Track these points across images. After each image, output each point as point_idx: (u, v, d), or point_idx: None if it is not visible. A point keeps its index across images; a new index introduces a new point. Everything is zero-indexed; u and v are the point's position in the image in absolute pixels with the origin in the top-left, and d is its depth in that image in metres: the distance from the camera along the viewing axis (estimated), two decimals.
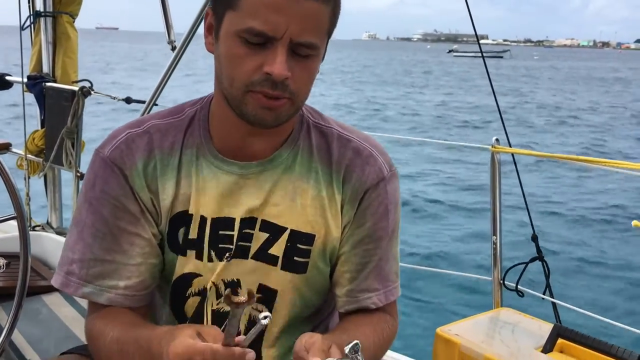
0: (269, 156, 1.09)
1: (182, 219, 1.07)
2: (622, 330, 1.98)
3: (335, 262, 1.14)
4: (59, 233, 2.98)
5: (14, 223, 1.46)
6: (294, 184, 1.09)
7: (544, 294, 2.26)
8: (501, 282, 2.30)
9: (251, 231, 1.08)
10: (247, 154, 1.08)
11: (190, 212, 1.07)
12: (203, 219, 1.07)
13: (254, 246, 1.09)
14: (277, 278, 1.10)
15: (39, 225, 3.27)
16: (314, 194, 1.10)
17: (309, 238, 1.10)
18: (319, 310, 1.18)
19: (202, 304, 1.11)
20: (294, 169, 1.10)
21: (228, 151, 1.08)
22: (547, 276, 2.25)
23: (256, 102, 0.97)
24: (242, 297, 0.79)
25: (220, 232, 1.07)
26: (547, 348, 1.67)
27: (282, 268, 1.10)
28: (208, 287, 1.09)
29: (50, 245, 2.42)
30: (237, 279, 1.09)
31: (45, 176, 3.32)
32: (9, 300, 1.81)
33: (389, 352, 2.02)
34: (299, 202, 1.09)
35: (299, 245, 1.09)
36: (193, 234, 1.07)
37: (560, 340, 1.68)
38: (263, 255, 1.09)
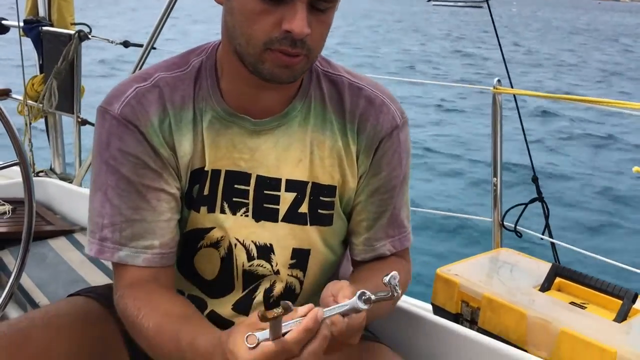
0: (281, 110, 1.07)
1: (199, 175, 1.06)
2: (620, 271, 2.01)
3: (350, 212, 1.15)
4: (62, 179, 3.00)
5: (17, 169, 1.47)
6: (311, 137, 1.08)
7: (542, 234, 2.29)
8: (501, 223, 2.32)
9: (277, 193, 1.08)
10: (259, 109, 1.06)
11: (206, 169, 1.06)
12: (216, 173, 1.06)
13: (283, 208, 1.08)
14: (308, 236, 1.10)
15: (42, 171, 3.29)
16: (331, 145, 1.09)
17: (330, 190, 1.10)
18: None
19: (223, 260, 1.11)
20: (309, 121, 1.08)
21: (239, 106, 1.05)
22: (547, 217, 2.27)
23: (274, 61, 0.94)
24: (278, 310, 0.76)
25: (235, 186, 1.07)
26: (545, 287, 1.70)
27: (311, 224, 1.10)
28: (234, 244, 1.09)
29: (54, 191, 2.44)
30: (269, 244, 1.10)
31: (46, 122, 3.32)
32: (16, 245, 1.84)
33: None
34: (317, 155, 1.08)
35: (321, 198, 1.10)
36: (207, 189, 1.06)
37: (558, 279, 1.71)
38: (293, 216, 1.09)
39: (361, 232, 1.15)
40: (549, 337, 1.46)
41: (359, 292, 0.84)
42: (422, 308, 1.82)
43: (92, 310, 1.13)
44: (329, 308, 0.83)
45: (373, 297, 0.84)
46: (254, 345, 0.77)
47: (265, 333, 0.77)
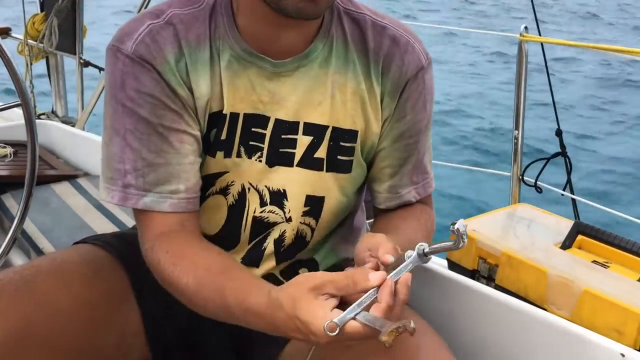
0: (302, 50, 1.02)
1: (217, 119, 1.02)
2: None
3: (372, 159, 1.11)
4: (64, 122, 2.96)
5: (18, 111, 1.43)
6: (332, 79, 1.04)
7: (564, 190, 2.25)
8: (520, 177, 2.28)
9: (294, 136, 1.04)
10: (279, 49, 1.01)
11: (224, 112, 1.02)
12: (234, 116, 1.02)
13: (299, 152, 1.05)
14: (323, 183, 1.07)
15: (43, 114, 3.26)
16: (354, 88, 1.05)
17: (351, 135, 1.06)
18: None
19: (231, 208, 1.08)
20: (331, 62, 1.04)
21: (258, 45, 1.01)
22: (569, 172, 2.23)
23: None
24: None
25: (253, 130, 1.03)
26: (567, 244, 1.67)
27: (327, 170, 1.07)
28: (247, 189, 1.07)
29: (56, 134, 2.41)
30: (283, 189, 1.07)
31: (47, 64, 3.27)
32: (18, 189, 1.82)
33: None
34: (338, 98, 1.04)
35: (342, 144, 1.06)
36: (224, 134, 1.03)
37: (580, 237, 1.69)
38: (308, 161, 1.06)
39: (385, 180, 1.12)
40: (571, 296, 1.44)
41: (418, 246, 0.81)
42: (437, 264, 1.80)
43: (99, 259, 1.11)
44: (394, 272, 0.80)
45: (431, 248, 0.81)
46: (336, 332, 0.75)
47: (343, 313, 0.76)
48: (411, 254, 0.81)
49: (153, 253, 0.98)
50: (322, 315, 0.77)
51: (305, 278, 0.81)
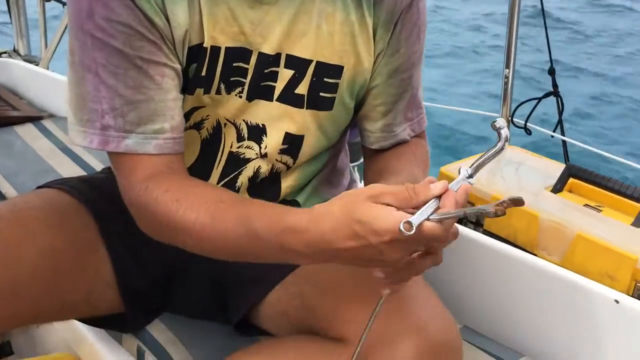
0: None
1: (197, 53, 0.96)
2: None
3: (364, 96, 1.07)
4: (27, 60, 2.85)
5: None
6: (319, 8, 0.97)
7: (554, 131, 2.23)
8: (509, 118, 2.25)
9: (276, 69, 0.99)
10: None
11: (205, 46, 0.95)
12: (216, 50, 0.96)
13: (279, 86, 1.00)
14: (303, 121, 1.03)
15: (5, 52, 3.14)
16: (342, 19, 0.98)
17: (336, 70, 1.01)
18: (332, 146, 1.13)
19: (204, 142, 1.04)
20: None
21: None
22: (560, 112, 2.20)
23: None
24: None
25: (235, 65, 0.97)
26: (558, 188, 1.66)
27: (308, 107, 1.02)
28: (223, 124, 1.02)
29: (18, 74, 2.32)
30: (262, 125, 1.02)
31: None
32: None
33: None
34: (325, 29, 0.98)
35: (325, 80, 1.01)
36: (205, 70, 0.97)
37: (571, 180, 1.67)
38: (289, 97, 1.01)
39: (378, 118, 1.08)
40: (563, 241, 1.43)
41: (463, 168, 0.76)
42: None
43: (64, 204, 1.06)
44: (451, 184, 0.75)
45: (476, 164, 0.75)
46: (412, 232, 0.69)
47: (417, 213, 0.71)
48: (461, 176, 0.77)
49: (148, 194, 0.90)
50: (386, 215, 0.71)
51: (360, 190, 0.76)
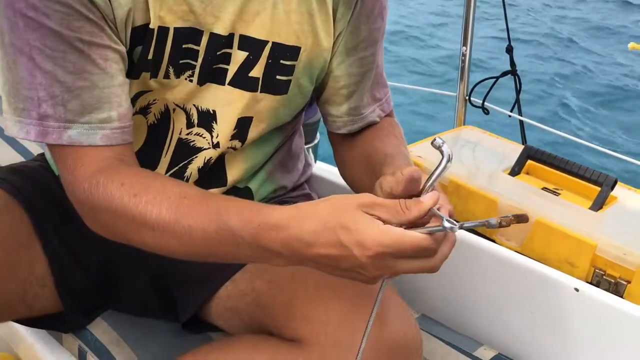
0: None
1: (142, 34, 0.90)
2: (597, 155, 1.98)
3: (325, 80, 1.03)
4: None
5: None
6: None
7: (511, 111, 2.23)
8: (466, 97, 2.24)
9: (229, 50, 0.94)
10: None
11: (151, 27, 0.89)
12: (163, 31, 0.90)
13: (232, 69, 0.95)
14: (256, 105, 0.99)
15: None
16: None
17: (293, 52, 0.97)
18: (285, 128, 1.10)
19: (151, 128, 0.99)
20: None
21: None
22: (518, 92, 2.21)
23: None
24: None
25: (184, 46, 0.92)
26: (516, 170, 1.65)
27: (262, 91, 0.98)
28: (171, 109, 0.97)
29: None
30: (212, 110, 0.97)
31: None
32: None
33: None
34: (281, 8, 0.94)
35: (281, 62, 0.97)
36: (152, 52, 0.91)
37: (529, 162, 1.67)
38: (242, 80, 0.96)
39: (342, 102, 1.04)
40: (522, 227, 1.43)
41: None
42: None
43: None
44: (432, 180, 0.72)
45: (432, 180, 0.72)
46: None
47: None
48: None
49: (100, 189, 0.83)
50: (375, 227, 0.68)
51: (350, 196, 0.72)
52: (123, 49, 0.89)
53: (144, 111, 0.98)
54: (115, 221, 0.83)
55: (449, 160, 0.72)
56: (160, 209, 0.80)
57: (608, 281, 1.28)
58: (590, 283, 1.29)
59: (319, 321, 0.83)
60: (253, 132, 1.02)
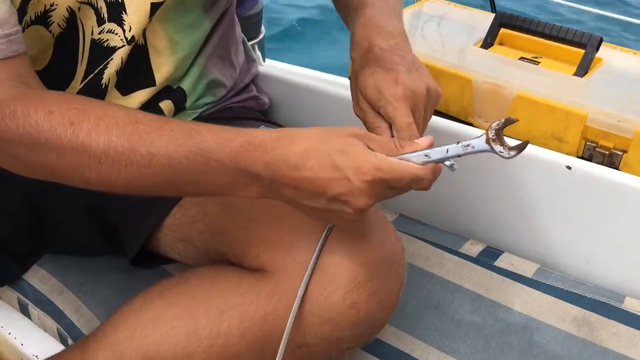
0: None
1: None
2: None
3: None
4: None
5: None
6: None
7: None
8: None
9: None
10: None
11: None
12: None
13: None
14: None
15: None
16: None
17: None
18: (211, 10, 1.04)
19: (59, 38, 0.91)
20: None
21: None
22: None
23: None
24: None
25: None
26: (488, 42, 1.60)
27: None
28: (76, 9, 0.89)
29: None
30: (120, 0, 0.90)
31: None
32: None
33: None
34: None
35: None
36: None
37: (502, 31, 1.61)
38: None
39: None
40: (501, 104, 1.39)
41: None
42: (339, 85, 1.70)
43: None
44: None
45: None
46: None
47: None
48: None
49: (19, 120, 0.75)
50: (372, 154, 0.67)
51: (341, 127, 0.70)
52: None
53: (43, 21, 0.89)
54: (43, 157, 0.76)
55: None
56: (109, 136, 0.73)
57: (602, 153, 1.25)
58: (582, 158, 1.27)
59: (283, 245, 0.80)
60: (174, 21, 0.96)
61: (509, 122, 0.69)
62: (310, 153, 0.67)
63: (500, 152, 0.69)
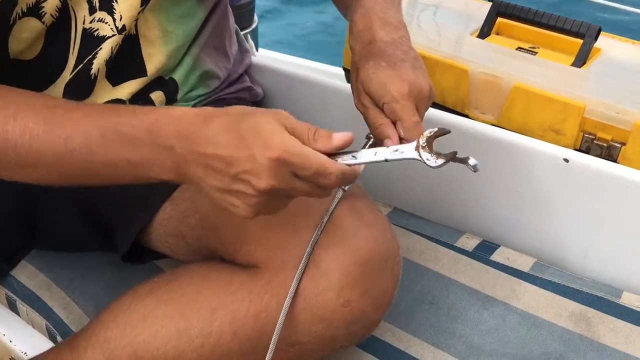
0: None
1: None
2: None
3: None
4: None
5: None
6: None
7: None
8: None
9: None
10: None
11: None
12: None
13: None
14: None
15: None
16: None
17: None
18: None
19: (50, 29, 0.90)
20: None
21: None
22: None
23: None
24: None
25: None
26: (485, 31, 1.58)
27: None
28: None
29: None
30: None
31: None
32: None
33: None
34: None
35: None
36: None
37: (499, 20, 1.59)
38: None
39: None
40: (498, 95, 1.37)
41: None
42: (333, 75, 1.69)
43: None
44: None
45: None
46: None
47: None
48: None
49: None
50: (286, 135, 0.66)
51: (265, 109, 0.70)
52: None
53: (35, 13, 0.88)
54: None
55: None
56: (26, 122, 0.74)
57: (600, 146, 1.24)
58: (580, 150, 1.26)
59: (276, 241, 0.80)
60: (165, 10, 0.96)
61: (441, 132, 0.72)
62: (223, 128, 0.67)
63: (427, 159, 0.71)
